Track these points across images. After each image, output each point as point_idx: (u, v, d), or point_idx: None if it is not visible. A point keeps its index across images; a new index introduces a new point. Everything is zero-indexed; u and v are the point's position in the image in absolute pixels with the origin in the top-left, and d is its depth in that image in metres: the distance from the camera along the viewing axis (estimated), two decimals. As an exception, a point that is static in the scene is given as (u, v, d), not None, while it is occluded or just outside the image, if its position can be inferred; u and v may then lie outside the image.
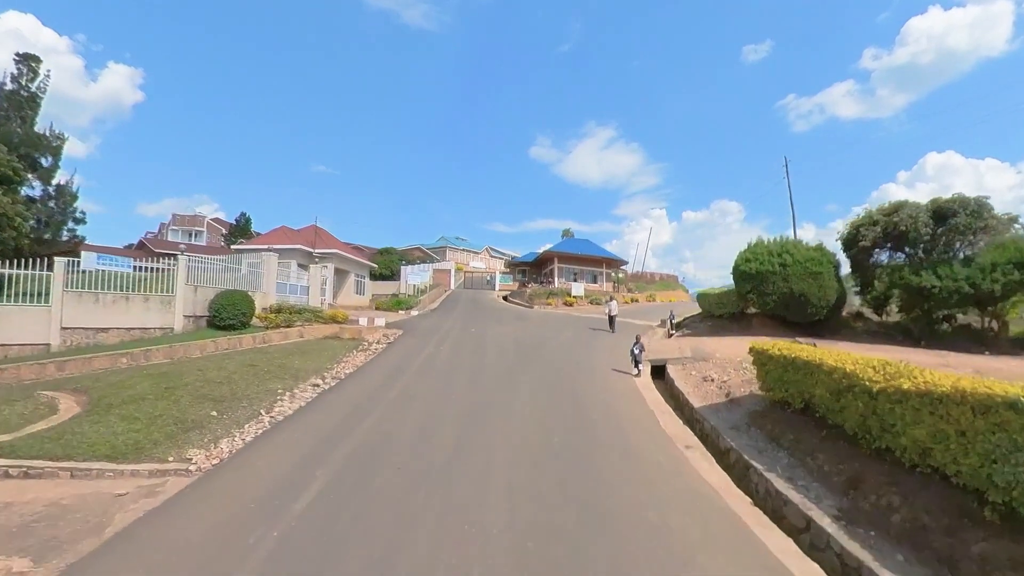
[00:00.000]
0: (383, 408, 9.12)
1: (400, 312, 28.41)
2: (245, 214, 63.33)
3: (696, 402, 10.44)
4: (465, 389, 10.69)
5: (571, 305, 37.96)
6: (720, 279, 75.34)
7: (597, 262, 49.90)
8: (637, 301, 48.10)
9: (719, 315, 22.39)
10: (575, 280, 47.49)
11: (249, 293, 20.02)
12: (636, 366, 13.01)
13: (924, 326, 17.46)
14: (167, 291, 16.66)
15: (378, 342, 17.04)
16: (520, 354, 14.96)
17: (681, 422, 9.37)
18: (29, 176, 22.24)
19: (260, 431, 7.98)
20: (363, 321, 21.11)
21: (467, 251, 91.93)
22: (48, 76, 24.72)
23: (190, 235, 62.70)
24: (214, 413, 8.68)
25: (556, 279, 46.51)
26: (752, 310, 21.67)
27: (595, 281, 49.39)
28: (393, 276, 41.72)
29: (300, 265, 28.55)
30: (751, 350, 9.34)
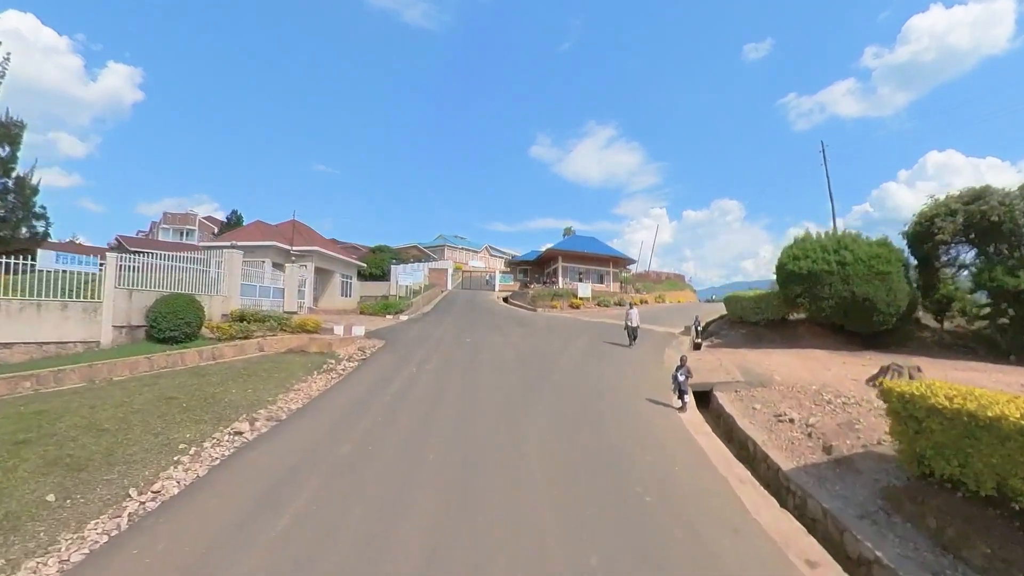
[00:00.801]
0: (316, 485, 5.94)
1: (388, 317, 25.26)
2: (237, 212, 60.26)
3: (782, 460, 7.26)
4: (447, 442, 7.51)
5: (577, 308, 34.79)
6: (721, 278, 71.46)
7: (603, 261, 46.71)
8: (646, 302, 44.97)
9: (754, 321, 19.23)
10: (580, 280, 44.30)
11: (205, 297, 16.93)
12: (680, 397, 9.84)
13: (1015, 337, 14.31)
14: (94, 296, 13.54)
15: (350, 358, 13.88)
16: (524, 377, 11.79)
17: (775, 502, 6.17)
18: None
19: (97, 544, 4.80)
20: (339, 330, 17.95)
21: (466, 250, 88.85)
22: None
23: (182, 234, 59.59)
24: (50, 498, 5.50)
25: (560, 279, 43.33)
26: (795, 316, 18.52)
27: (601, 281, 46.21)
28: (385, 276, 38.53)
29: (276, 265, 25.38)
30: (883, 391, 6.14)
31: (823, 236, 16.36)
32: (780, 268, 16.55)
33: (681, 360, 10.07)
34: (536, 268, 51.28)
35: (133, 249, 26.58)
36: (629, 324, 17.75)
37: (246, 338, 15.74)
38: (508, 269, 56.35)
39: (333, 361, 13.27)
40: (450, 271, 48.73)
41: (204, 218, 65.43)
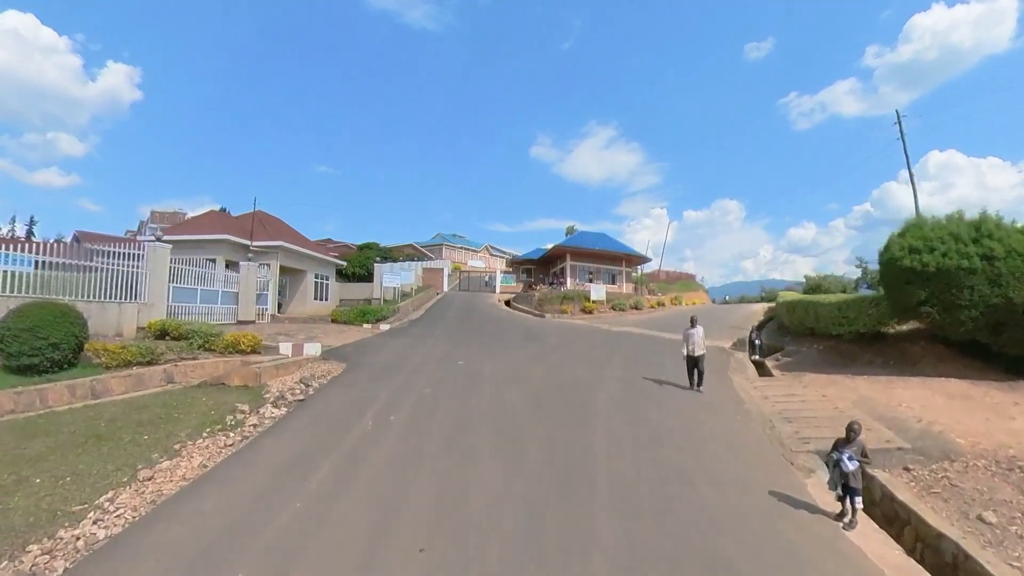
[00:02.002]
0: None
1: (365, 326, 20.73)
2: (225, 209, 55.81)
3: None
4: None
5: (590, 312, 30.25)
6: (721, 278, 66.69)
7: (616, 259, 42.17)
8: (663, 306, 40.46)
9: (835, 334, 14.70)
10: (591, 280, 39.79)
11: (112, 306, 12.52)
12: (845, 496, 5.28)
13: None
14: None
15: (280, 399, 9.31)
16: (548, 448, 7.17)
17: None
18: None
19: None
20: (286, 348, 13.42)
21: (465, 249, 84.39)
22: None
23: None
24: None
25: (568, 279, 38.81)
26: (896, 329, 14.01)
27: (613, 282, 41.68)
28: (371, 277, 34.00)
29: (232, 264, 20.83)
30: None
31: (952, 219, 11.82)
32: (888, 262, 12.00)
33: (849, 429, 5.42)
34: (541, 268, 46.75)
35: (94, 246, 22.07)
36: (692, 352, 10.89)
37: (150, 363, 11.20)
38: (510, 269, 51.69)
39: (248, 407, 8.67)
40: (446, 271, 44.19)
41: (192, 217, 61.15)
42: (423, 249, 74.30)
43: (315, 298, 26.24)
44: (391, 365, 12.29)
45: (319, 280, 26.57)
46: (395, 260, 41.46)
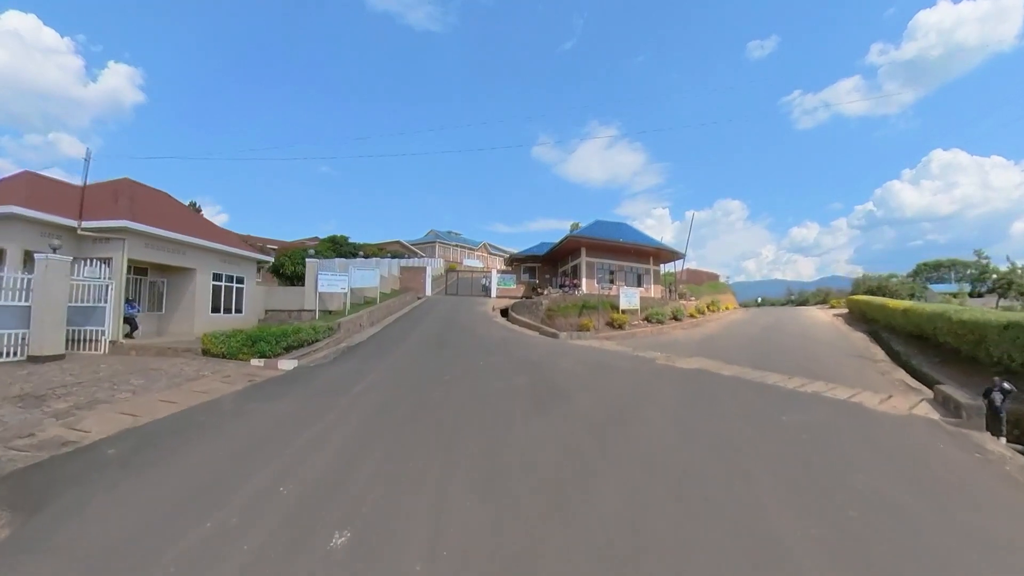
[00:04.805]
0: None
1: (253, 362, 12.16)
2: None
3: None
4: None
5: (620, 327, 21.54)
6: (723, 278, 59.07)
7: (642, 254, 33.43)
8: (703, 314, 31.90)
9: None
10: (611, 281, 31.13)
11: None
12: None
13: None
14: None
15: None
16: None
17: None
18: None
19: None
20: None
21: (461, 247, 75.86)
22: None
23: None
24: None
25: (584, 280, 30.14)
26: None
27: (639, 283, 32.99)
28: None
29: (39, 254, 12.16)
30: None
31: None
32: None
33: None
34: (547, 266, 38.06)
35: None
36: None
37: None
38: (509, 268, 42.57)
39: None
40: (429, 271, 35.44)
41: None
42: (413, 247, 65.77)
43: (217, 309, 17.56)
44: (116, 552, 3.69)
45: (224, 283, 17.88)
46: (366, 256, 32.87)
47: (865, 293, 33.99)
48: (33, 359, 11.05)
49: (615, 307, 22.61)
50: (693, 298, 39.18)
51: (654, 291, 33.58)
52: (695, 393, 9.50)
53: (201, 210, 49.16)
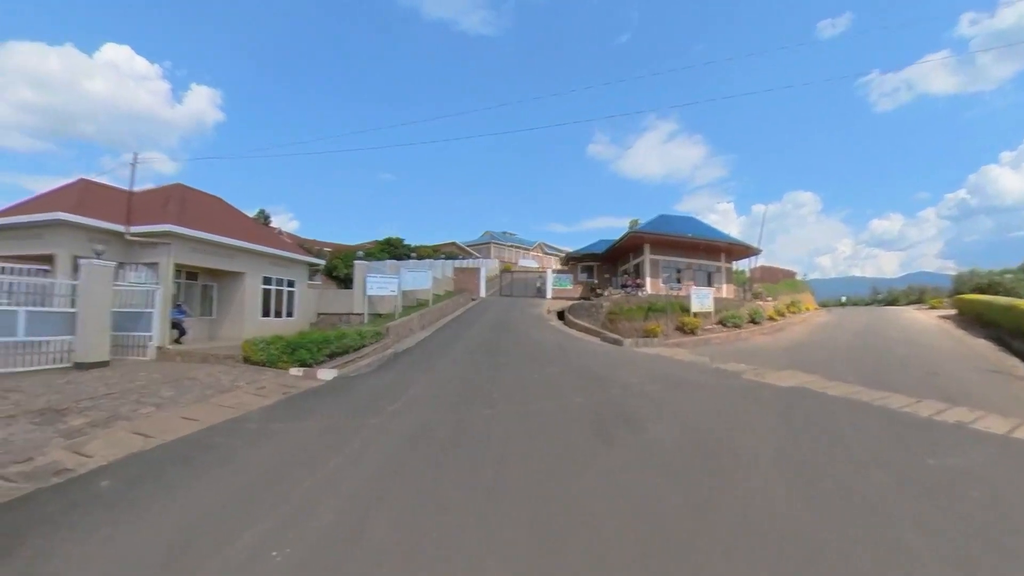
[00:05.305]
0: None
1: (292, 371, 11.41)
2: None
3: None
4: None
5: (692, 332, 19.36)
6: (798, 276, 52.91)
7: (713, 250, 30.66)
8: (784, 316, 28.70)
9: None
10: (678, 280, 28.72)
11: None
12: None
13: None
14: None
15: None
16: None
17: None
18: None
19: None
20: None
21: (516, 247, 74.92)
22: None
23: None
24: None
25: (648, 279, 27.96)
26: None
27: (709, 282, 30.26)
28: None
29: (83, 259, 12.08)
30: None
31: None
32: None
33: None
34: (606, 264, 36.01)
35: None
36: None
37: None
38: (566, 267, 40.69)
39: None
40: (483, 272, 34.44)
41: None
42: (468, 248, 65.56)
43: (267, 313, 17.29)
44: None
45: (274, 287, 17.59)
46: (420, 258, 32.41)
47: (972, 291, 29.43)
48: (79, 366, 10.84)
49: (685, 309, 20.42)
50: (770, 298, 35.74)
51: (726, 291, 30.72)
52: (802, 422, 7.55)
53: (270, 218, 51.13)
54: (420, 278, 21.74)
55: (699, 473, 5.43)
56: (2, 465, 5.71)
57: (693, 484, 5.09)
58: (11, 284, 10.17)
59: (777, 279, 50.12)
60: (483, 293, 33.83)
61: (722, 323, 21.61)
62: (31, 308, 10.20)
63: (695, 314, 20.08)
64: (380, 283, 17.99)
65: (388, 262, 23.98)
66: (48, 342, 10.62)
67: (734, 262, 34.73)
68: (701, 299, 20.42)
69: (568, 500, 4.73)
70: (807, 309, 35.68)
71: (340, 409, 8.32)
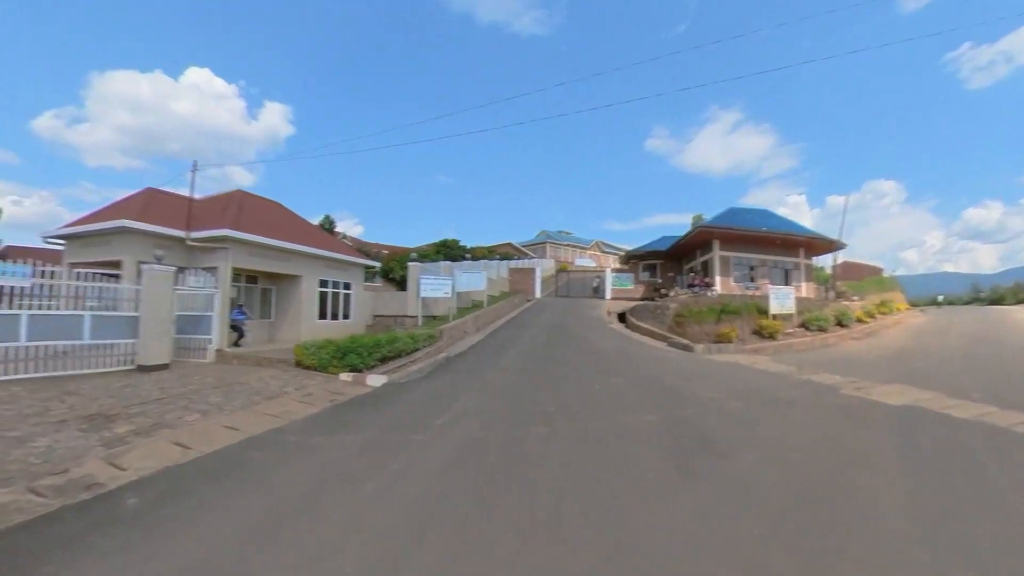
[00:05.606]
0: None
1: (343, 376, 11.05)
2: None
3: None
4: None
5: (771, 337, 17.45)
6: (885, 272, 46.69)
7: (791, 245, 28.05)
8: (874, 318, 25.80)
9: None
10: (751, 279, 26.47)
11: None
12: None
13: None
14: None
15: None
16: None
17: None
18: None
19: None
20: None
21: (572, 246, 73.54)
22: None
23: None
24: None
25: (718, 278, 25.95)
26: None
27: (787, 280, 27.69)
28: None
29: (145, 264, 12.40)
30: None
31: None
32: None
33: None
34: (670, 263, 34.06)
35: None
36: None
37: None
38: (625, 266, 38.85)
39: None
40: (539, 272, 33.55)
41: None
42: (524, 248, 64.97)
43: (324, 315, 17.34)
44: None
45: (330, 290, 17.62)
46: (474, 259, 32.04)
47: None
48: (141, 368, 11.04)
49: (762, 311, 18.51)
50: (856, 297, 32.41)
51: (805, 290, 28.00)
52: (928, 454, 6.07)
53: (335, 224, 53.03)
54: (474, 279, 21.20)
55: (807, 523, 4.24)
56: (38, 476, 5.50)
57: (800, 538, 3.92)
58: (76, 289, 10.47)
59: (862, 276, 45.77)
60: (538, 294, 32.93)
61: (804, 326, 19.45)
62: (96, 312, 10.47)
63: (774, 316, 18.13)
64: (434, 285, 17.57)
65: (442, 263, 23.69)
66: (114, 345, 10.88)
67: (813, 258, 31.68)
68: (781, 299, 18.43)
69: (641, 553, 3.73)
70: (898, 310, 32.02)
71: (385, 421, 7.72)
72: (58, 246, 13.90)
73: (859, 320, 23.62)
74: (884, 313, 28.53)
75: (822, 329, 19.20)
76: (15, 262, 9.85)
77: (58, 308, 10.34)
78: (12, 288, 9.73)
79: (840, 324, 20.98)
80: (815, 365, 12.96)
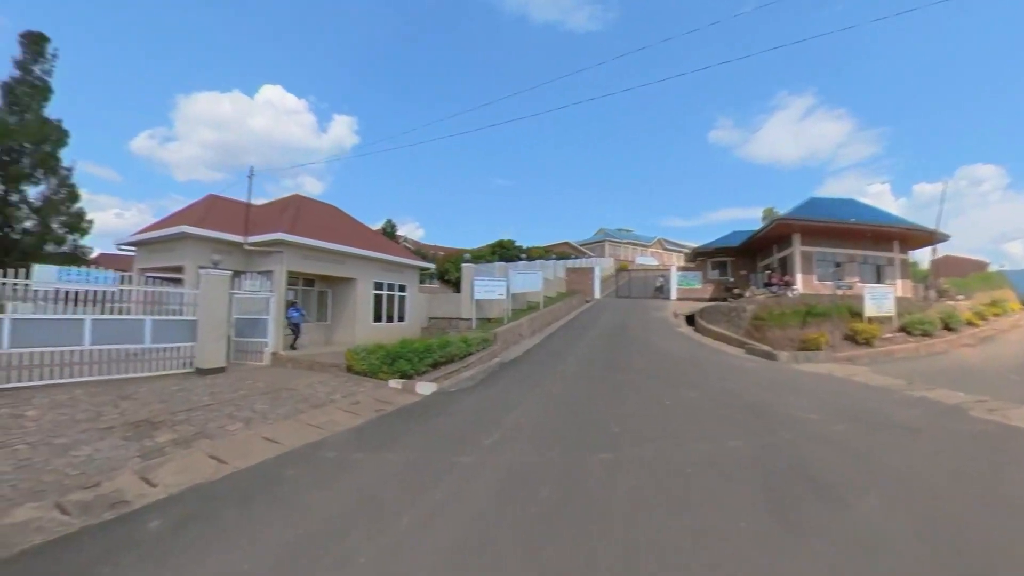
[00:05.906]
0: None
1: (391, 383, 10.61)
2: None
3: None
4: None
5: (867, 343, 15.32)
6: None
7: (882, 238, 25.02)
8: (985, 320, 22.49)
9: None
10: (838, 277, 23.82)
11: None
12: None
13: None
14: None
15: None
16: None
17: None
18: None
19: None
20: None
21: (632, 244, 71.10)
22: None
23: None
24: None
25: (799, 275, 23.57)
26: None
27: (878, 277, 24.73)
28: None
29: (203, 269, 12.66)
30: None
31: None
32: None
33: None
34: (742, 259, 31.58)
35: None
36: None
37: None
38: (692, 264, 36.57)
39: None
40: (597, 272, 32.19)
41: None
42: (582, 247, 63.49)
43: (379, 318, 17.20)
44: None
45: (385, 292, 17.46)
46: (530, 259, 31.27)
47: None
48: (199, 371, 11.16)
49: (855, 313, 16.35)
50: (961, 296, 28.51)
51: (901, 288, 24.88)
52: None
53: (396, 227, 54.28)
54: (530, 280, 20.41)
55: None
56: (69, 490, 5.29)
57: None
58: (146, 294, 10.74)
59: (965, 272, 40.78)
60: (598, 294, 31.61)
61: (905, 330, 17.02)
62: (156, 316, 10.67)
63: (870, 319, 15.94)
64: (488, 286, 16.95)
65: (496, 264, 23.10)
66: (173, 348, 11.06)
67: (909, 252, 28.17)
68: (878, 300, 16.18)
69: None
70: (1013, 310, 27.80)
71: (430, 437, 7.07)
72: (130, 252, 14.62)
73: (969, 323, 20.53)
74: (997, 315, 24.81)
75: (927, 334, 16.72)
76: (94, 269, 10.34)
77: (130, 313, 10.68)
78: (87, 292, 10.12)
79: (947, 328, 18.26)
80: (926, 378, 11.04)
